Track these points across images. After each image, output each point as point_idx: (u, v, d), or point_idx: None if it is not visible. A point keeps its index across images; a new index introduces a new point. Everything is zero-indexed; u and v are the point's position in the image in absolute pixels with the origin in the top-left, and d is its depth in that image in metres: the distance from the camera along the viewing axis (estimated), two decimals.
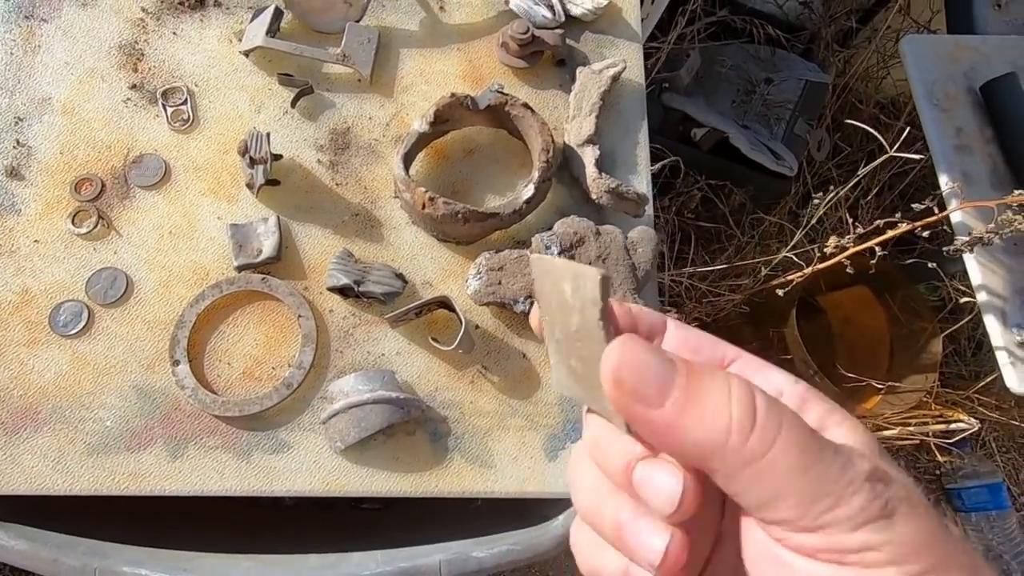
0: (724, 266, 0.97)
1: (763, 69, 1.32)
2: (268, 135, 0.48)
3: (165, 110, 0.52)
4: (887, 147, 0.70)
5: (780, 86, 1.29)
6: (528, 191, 0.48)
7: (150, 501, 0.51)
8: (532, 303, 0.46)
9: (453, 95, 0.50)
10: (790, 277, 0.91)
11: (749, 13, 1.27)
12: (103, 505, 0.50)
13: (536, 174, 0.49)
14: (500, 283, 0.47)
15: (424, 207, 0.47)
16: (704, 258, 1.20)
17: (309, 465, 0.45)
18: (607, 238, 0.49)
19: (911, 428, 1.08)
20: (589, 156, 0.52)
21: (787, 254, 0.88)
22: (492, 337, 0.49)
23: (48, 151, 0.50)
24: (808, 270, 0.87)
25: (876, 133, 0.72)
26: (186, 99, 0.53)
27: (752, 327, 1.26)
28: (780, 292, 0.90)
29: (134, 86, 0.53)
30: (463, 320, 0.45)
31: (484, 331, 0.49)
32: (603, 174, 0.50)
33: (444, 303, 0.47)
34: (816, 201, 0.86)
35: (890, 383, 1.02)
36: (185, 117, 0.52)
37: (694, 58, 1.23)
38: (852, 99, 1.47)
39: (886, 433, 1.09)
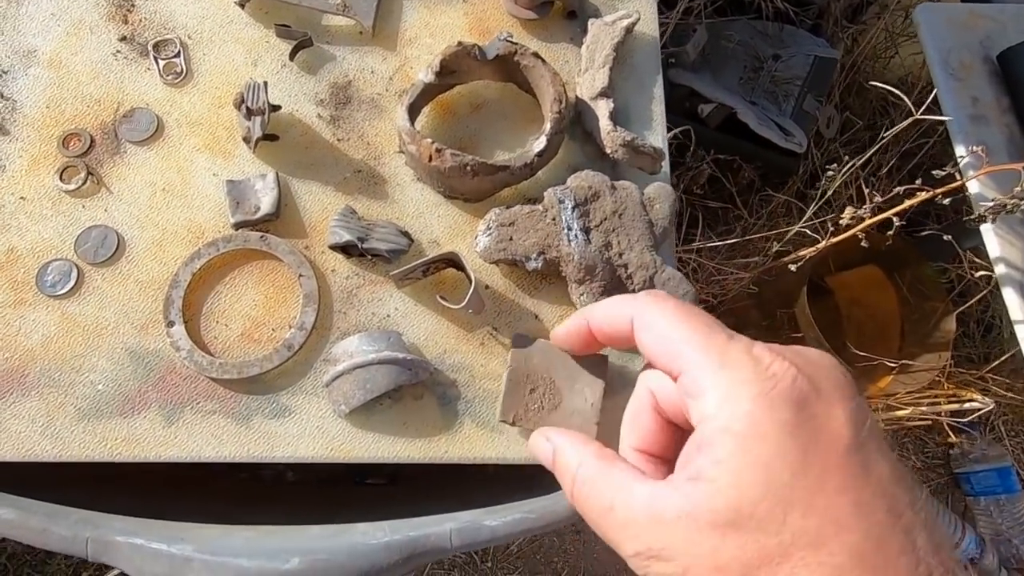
0: (735, 240, 0.94)
1: (771, 45, 1.29)
2: (265, 84, 0.45)
3: (157, 63, 0.50)
4: (912, 110, 0.68)
5: (788, 62, 1.27)
6: (540, 143, 0.46)
7: (147, 474, 0.48)
8: (544, 260, 0.44)
9: (460, 44, 0.47)
10: (803, 252, 0.89)
11: None
12: (97, 476, 0.47)
13: (548, 126, 0.46)
14: (511, 239, 0.44)
15: (431, 159, 0.44)
16: (711, 239, 1.18)
17: (312, 430, 0.43)
18: (623, 193, 0.46)
19: (923, 408, 1.06)
20: (603, 109, 0.49)
21: (801, 227, 0.86)
22: (502, 297, 0.47)
23: (34, 105, 0.48)
24: (822, 244, 0.84)
25: (903, 96, 0.69)
26: (179, 52, 0.50)
27: (759, 310, 1.24)
28: (793, 267, 0.87)
29: (124, 38, 0.50)
30: (472, 278, 0.43)
31: (494, 291, 0.47)
32: (618, 127, 0.48)
33: (452, 260, 0.44)
34: (831, 173, 0.83)
35: (903, 362, 1.00)
36: (178, 70, 0.50)
37: (700, 33, 1.20)
38: (859, 78, 1.44)
39: (898, 413, 1.07)
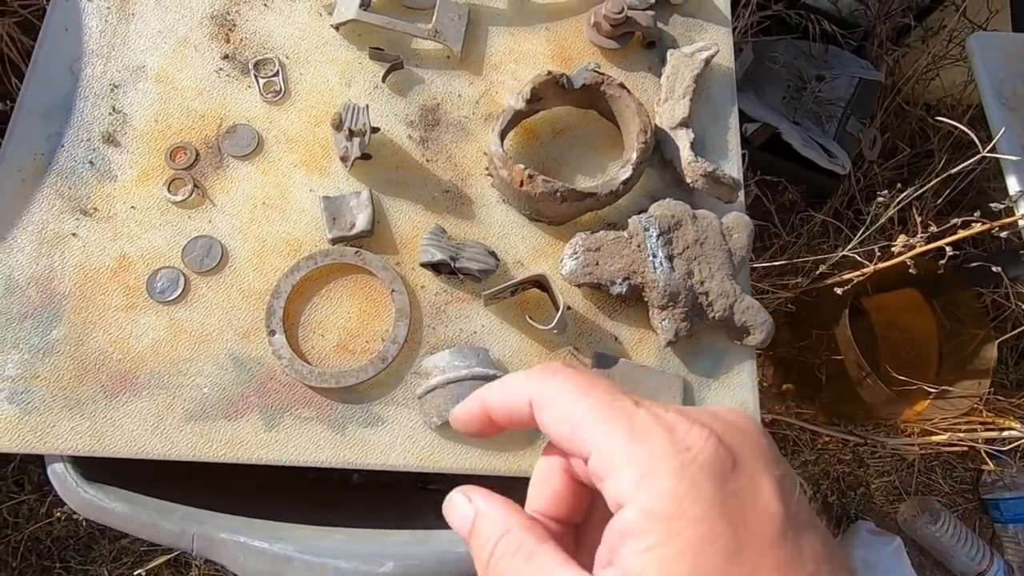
0: (783, 262, 0.95)
1: (815, 66, 1.30)
2: (367, 107, 0.48)
3: (257, 81, 0.52)
4: (979, 145, 0.69)
5: (832, 83, 1.27)
6: (625, 172, 0.48)
7: (237, 472, 0.51)
8: (629, 285, 0.46)
9: (549, 73, 0.49)
10: (849, 276, 0.89)
11: (804, 8, 1.25)
12: (191, 474, 0.50)
13: (634, 155, 0.48)
14: (597, 264, 0.46)
15: (522, 184, 0.46)
16: (751, 256, 1.19)
17: (403, 440, 0.45)
18: (703, 222, 0.48)
19: (961, 434, 1.06)
20: (683, 139, 0.51)
21: (848, 252, 0.87)
22: (583, 319, 0.48)
23: (143, 118, 0.51)
24: (870, 268, 0.85)
25: (969, 132, 0.70)
26: (278, 71, 0.53)
27: (792, 330, 1.24)
28: (839, 291, 0.88)
29: (226, 56, 0.53)
30: (560, 300, 0.44)
31: (576, 312, 0.48)
32: (699, 157, 0.50)
33: (539, 282, 0.46)
34: (881, 199, 0.84)
35: (944, 388, 1.00)
36: (277, 89, 0.52)
37: (747, 53, 1.21)
38: (900, 100, 1.45)
39: (935, 438, 1.07)
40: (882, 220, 0.85)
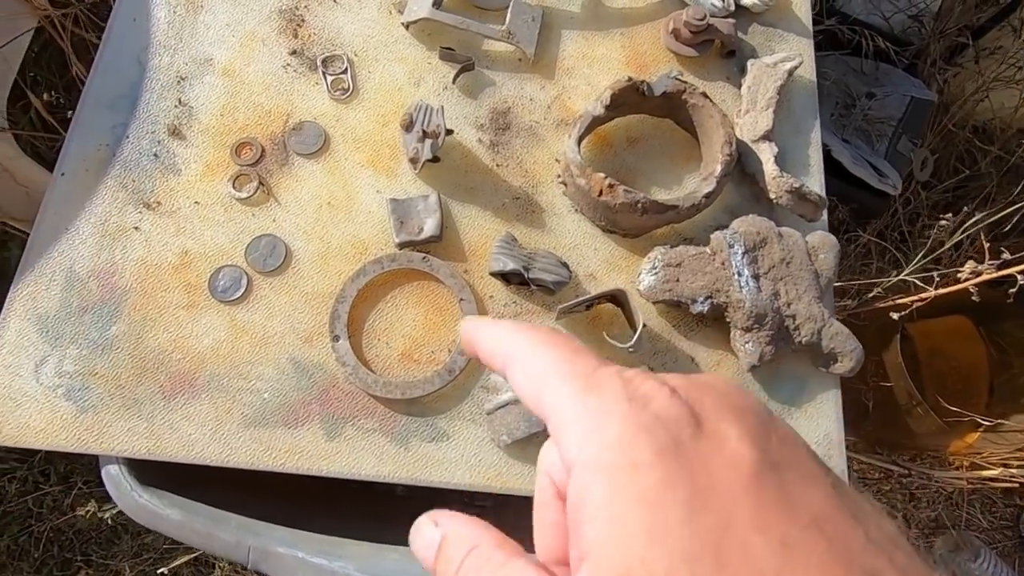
0: (837, 283, 0.92)
1: (864, 83, 1.27)
2: (442, 109, 0.46)
3: (325, 78, 0.51)
4: None
5: (883, 101, 1.24)
6: (708, 185, 0.45)
7: (284, 477, 0.49)
8: (711, 304, 0.43)
9: (630, 79, 0.47)
10: (904, 300, 0.86)
11: (856, 23, 1.22)
12: (239, 477, 0.48)
13: (718, 168, 0.46)
14: (678, 280, 0.44)
15: (601, 194, 0.44)
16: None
17: (469, 457, 0.42)
18: (789, 241, 0.45)
19: (1013, 470, 1.01)
20: (767, 153, 0.49)
21: (907, 277, 0.84)
22: (658, 337, 0.46)
23: (209, 112, 0.49)
24: (931, 293, 0.82)
25: None
26: (346, 68, 0.51)
27: None
28: (895, 315, 0.85)
29: (294, 52, 0.52)
30: (639, 318, 0.42)
31: (650, 330, 0.46)
32: (784, 173, 0.47)
33: (615, 297, 0.44)
34: (944, 223, 0.81)
35: (998, 421, 0.96)
36: (345, 86, 0.51)
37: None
38: (947, 121, 1.41)
39: (985, 473, 1.03)
40: (948, 244, 0.82)
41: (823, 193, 0.50)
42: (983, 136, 1.43)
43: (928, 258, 0.85)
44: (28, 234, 0.98)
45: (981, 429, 1.02)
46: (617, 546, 0.14)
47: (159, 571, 1.05)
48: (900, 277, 0.85)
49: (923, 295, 0.84)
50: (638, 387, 0.16)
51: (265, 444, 0.42)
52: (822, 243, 0.46)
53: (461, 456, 0.42)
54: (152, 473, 0.43)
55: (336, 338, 0.44)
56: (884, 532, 0.15)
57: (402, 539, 0.47)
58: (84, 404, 0.42)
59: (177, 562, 1.06)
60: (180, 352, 0.43)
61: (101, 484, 1.18)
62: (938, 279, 0.84)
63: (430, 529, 0.19)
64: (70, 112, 1.11)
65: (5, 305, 0.43)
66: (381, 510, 0.60)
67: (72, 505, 1.12)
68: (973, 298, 0.79)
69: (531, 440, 0.41)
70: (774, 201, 0.48)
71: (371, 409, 0.43)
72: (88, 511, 1.01)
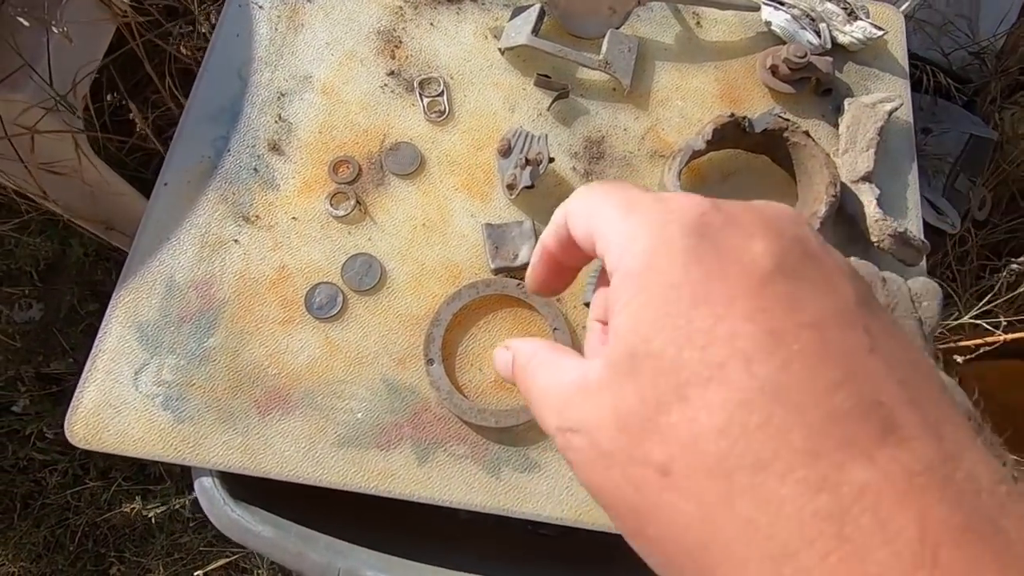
0: None
1: (921, 118, 1.25)
2: (546, 137, 0.46)
3: (422, 100, 0.51)
4: None
5: (940, 137, 1.22)
6: (814, 225, 0.45)
7: (360, 496, 0.49)
8: None
9: (732, 115, 0.47)
10: (970, 343, 0.84)
11: (915, 59, 1.21)
12: (311, 494, 0.48)
13: (822, 208, 0.45)
14: None
15: None
16: None
17: (560, 491, 0.42)
18: (893, 287, 0.44)
19: None
20: (868, 195, 0.48)
21: (973, 319, 0.82)
22: None
23: (308, 129, 0.50)
24: (1000, 338, 0.80)
25: None
26: (442, 91, 0.52)
27: None
28: (959, 359, 0.83)
29: (391, 73, 0.52)
30: None
31: None
32: (887, 216, 0.46)
33: None
34: (1015, 266, 0.79)
35: None
36: (441, 109, 0.51)
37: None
38: (1002, 159, 1.39)
39: None
40: (1020, 289, 0.80)
41: (923, 237, 0.49)
42: None
43: (997, 300, 0.83)
44: (89, 232, 1.00)
45: None
46: (631, 332, 0.16)
47: (195, 574, 1.05)
48: (967, 320, 0.83)
49: (991, 339, 0.82)
50: (672, 203, 0.17)
51: (358, 465, 0.42)
52: (925, 290, 0.45)
53: (552, 489, 0.42)
54: (239, 486, 0.43)
55: (431, 361, 0.43)
56: (914, 366, 0.15)
57: (466, 563, 0.47)
58: (181, 414, 0.42)
59: (212, 566, 1.06)
60: (276, 367, 0.43)
61: (140, 481, 1.19)
62: (1005, 323, 0.82)
63: (503, 353, 0.23)
64: (129, 115, 1.14)
65: (107, 311, 0.44)
66: (444, 531, 0.60)
67: (110, 501, 1.13)
68: None
69: None
70: (875, 244, 0.47)
71: (463, 435, 0.43)
72: (133, 508, 1.01)
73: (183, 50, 1.02)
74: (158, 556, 1.15)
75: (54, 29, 0.76)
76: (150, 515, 1.01)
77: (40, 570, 1.15)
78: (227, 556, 1.08)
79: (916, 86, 1.23)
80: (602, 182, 0.20)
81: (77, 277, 1.16)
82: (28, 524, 1.14)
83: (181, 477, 1.10)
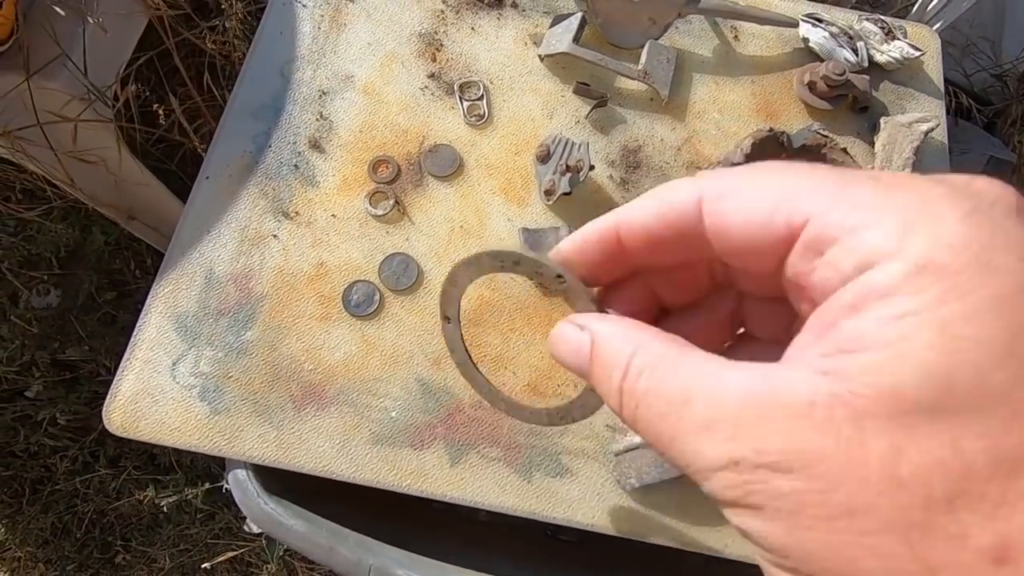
0: None
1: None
2: (587, 144, 0.46)
3: (461, 103, 0.52)
4: None
5: (960, 158, 1.22)
6: None
7: (384, 493, 0.49)
8: None
9: (771, 129, 0.47)
10: None
11: None
12: (342, 491, 0.48)
13: None
14: None
15: None
16: None
17: (592, 497, 0.42)
18: None
19: None
20: None
21: None
22: None
23: (348, 128, 0.50)
24: None
25: None
26: (482, 95, 0.52)
27: None
28: None
29: (432, 75, 0.53)
30: None
31: None
32: None
33: None
34: None
35: None
36: (480, 113, 0.52)
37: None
38: (1018, 181, 1.39)
39: None
40: None
41: None
42: None
43: None
44: (111, 221, 1.00)
45: None
46: (939, 353, 0.11)
47: (202, 566, 1.05)
48: None
49: None
50: (964, 184, 0.13)
51: (391, 463, 0.42)
52: None
53: (584, 495, 0.42)
54: (272, 480, 0.43)
55: (447, 319, 0.44)
56: None
57: (487, 565, 0.47)
58: (217, 406, 0.42)
59: (219, 558, 1.06)
60: (312, 363, 0.44)
61: (150, 471, 1.19)
62: None
63: (575, 333, 0.17)
64: (155, 105, 1.14)
65: (147, 301, 0.44)
66: (463, 532, 0.60)
67: (119, 489, 1.14)
68: None
69: (659, 487, 0.41)
70: None
71: (496, 437, 0.43)
72: (146, 496, 1.02)
73: (210, 44, 1.03)
74: (164, 546, 1.15)
75: (90, 19, 0.76)
76: (162, 503, 1.01)
77: (46, 555, 1.15)
78: (234, 549, 1.08)
79: None
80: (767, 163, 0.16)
81: (96, 265, 1.17)
82: (36, 510, 1.15)
83: (191, 468, 1.11)
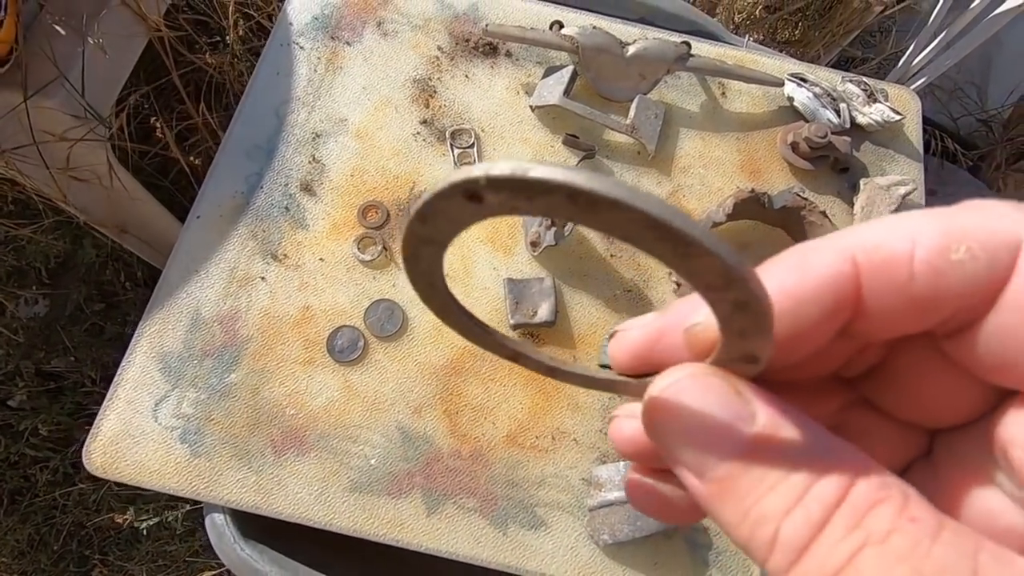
0: None
1: (927, 180, 1.28)
2: None
3: (453, 150, 0.53)
4: None
5: (945, 200, 1.25)
6: None
7: (360, 541, 0.49)
8: None
9: (752, 191, 0.49)
10: None
11: (925, 122, 1.24)
12: (318, 534, 0.48)
13: None
14: None
15: None
16: None
17: (565, 551, 0.43)
18: None
19: None
20: None
21: None
22: None
23: (340, 171, 0.51)
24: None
25: None
26: (473, 143, 0.53)
27: None
28: None
29: (424, 121, 0.54)
30: None
31: None
32: None
33: None
34: None
35: None
36: (470, 161, 0.53)
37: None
38: None
39: None
40: None
41: None
42: None
43: None
44: (102, 234, 1.00)
45: None
46: None
47: None
48: None
49: None
50: None
51: (368, 511, 0.42)
52: None
53: (557, 548, 0.43)
54: (249, 522, 0.44)
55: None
56: None
57: None
58: (198, 449, 0.43)
59: None
60: (294, 407, 0.44)
61: (131, 487, 1.16)
62: None
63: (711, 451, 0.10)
64: (153, 119, 1.15)
65: (132, 340, 0.45)
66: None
67: (99, 503, 1.13)
68: None
69: (632, 543, 0.42)
70: None
71: (472, 488, 0.43)
72: (126, 519, 1.01)
73: (210, 60, 1.03)
74: (142, 561, 1.14)
75: (90, 40, 0.77)
76: (141, 527, 1.00)
77: (21, 567, 1.14)
78: (213, 568, 1.07)
79: (924, 148, 1.26)
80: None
81: (85, 276, 1.16)
82: (14, 520, 1.14)
83: None
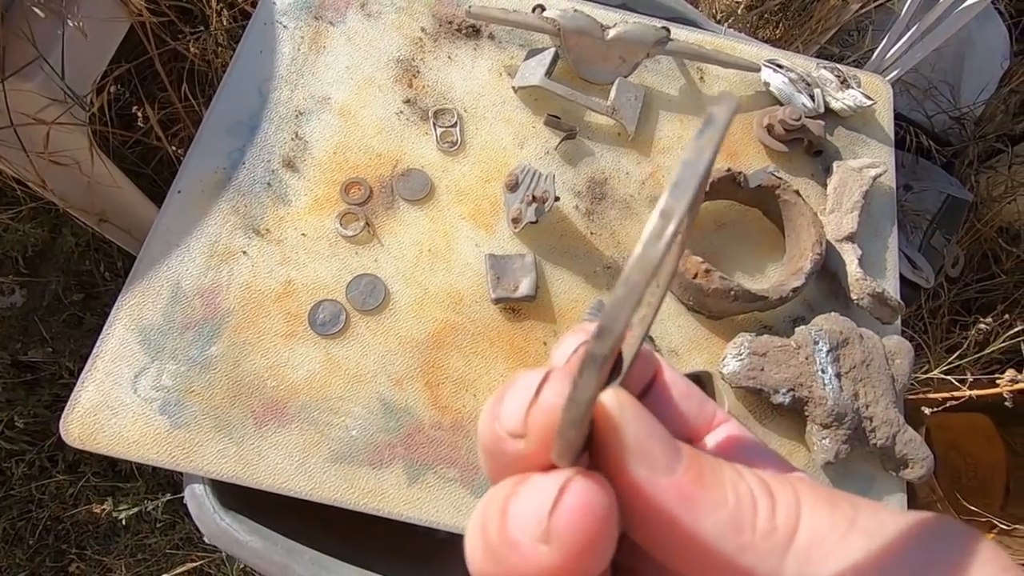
0: None
1: (902, 175, 1.31)
2: (554, 176, 0.48)
3: (435, 129, 0.53)
4: None
5: (920, 195, 1.28)
6: (797, 280, 0.47)
7: (338, 509, 0.49)
8: (793, 396, 0.45)
9: (728, 170, 0.50)
10: (938, 396, 0.88)
11: (899, 118, 1.27)
12: (298, 506, 0.49)
13: (808, 265, 0.48)
14: (762, 370, 0.45)
15: (696, 277, 0.46)
16: None
17: None
18: (869, 343, 0.47)
19: None
20: (850, 255, 0.51)
21: (942, 375, 0.85)
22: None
23: (322, 149, 0.52)
24: (965, 393, 0.84)
25: None
26: (456, 122, 0.54)
27: None
28: (927, 410, 0.86)
29: (408, 101, 0.54)
30: (726, 404, 0.43)
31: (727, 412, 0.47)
32: (867, 276, 0.49)
33: (700, 379, 0.46)
34: (984, 326, 0.83)
35: (1016, 525, 0.97)
36: (453, 140, 0.53)
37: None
38: (976, 219, 1.45)
39: None
40: (992, 348, 0.84)
41: (899, 298, 0.52)
42: (1008, 237, 1.48)
43: (966, 358, 0.87)
44: (82, 221, 0.99)
45: (995, 531, 1.03)
46: None
47: None
48: (936, 374, 0.87)
49: (957, 394, 0.85)
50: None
51: (349, 482, 0.43)
52: (898, 349, 0.48)
53: None
54: (229, 495, 0.44)
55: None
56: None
57: None
58: (178, 420, 0.43)
59: (178, 570, 1.04)
60: (275, 380, 0.44)
61: (110, 478, 1.16)
62: (971, 379, 0.85)
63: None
64: (135, 107, 1.14)
65: (112, 313, 0.45)
66: (421, 549, 0.60)
67: (76, 496, 1.11)
68: (1006, 403, 0.81)
69: None
70: (855, 302, 0.50)
71: (453, 458, 0.44)
72: (104, 509, 1.00)
73: (193, 49, 1.03)
74: (121, 556, 1.13)
75: (70, 22, 0.76)
76: (120, 516, 0.99)
77: None
78: (193, 560, 1.06)
79: (900, 144, 1.28)
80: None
81: (64, 265, 1.15)
82: None
83: (152, 476, 1.09)
